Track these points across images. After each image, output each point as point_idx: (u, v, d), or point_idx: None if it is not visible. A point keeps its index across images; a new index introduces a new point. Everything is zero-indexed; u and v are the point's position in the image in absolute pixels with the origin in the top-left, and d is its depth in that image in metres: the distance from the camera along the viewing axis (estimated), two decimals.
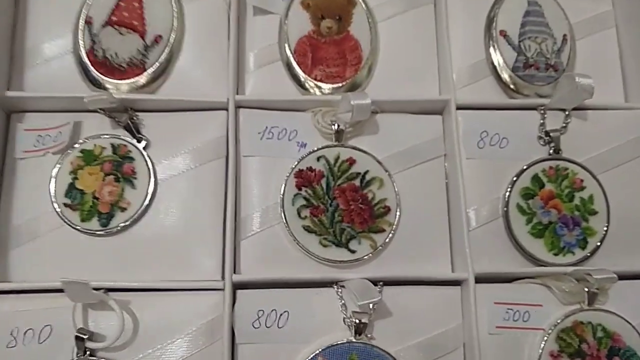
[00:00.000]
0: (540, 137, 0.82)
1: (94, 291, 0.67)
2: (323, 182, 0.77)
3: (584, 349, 0.74)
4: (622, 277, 0.78)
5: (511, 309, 0.76)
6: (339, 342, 0.71)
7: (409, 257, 0.78)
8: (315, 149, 0.78)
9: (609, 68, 0.89)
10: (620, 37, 0.91)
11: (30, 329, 0.69)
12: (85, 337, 0.67)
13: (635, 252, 0.81)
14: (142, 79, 0.79)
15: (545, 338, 0.74)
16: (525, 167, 0.80)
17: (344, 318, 0.72)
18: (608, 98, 0.86)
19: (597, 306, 0.76)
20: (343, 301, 0.73)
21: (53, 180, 0.75)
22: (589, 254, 0.79)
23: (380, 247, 0.76)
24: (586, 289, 0.75)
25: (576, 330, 0.75)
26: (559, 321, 0.74)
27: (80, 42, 0.79)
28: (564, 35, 0.87)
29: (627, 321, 0.76)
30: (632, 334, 0.75)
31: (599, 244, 0.79)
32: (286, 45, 0.82)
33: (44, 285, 0.70)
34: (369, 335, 0.72)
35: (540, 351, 0.74)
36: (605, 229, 0.80)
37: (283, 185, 0.76)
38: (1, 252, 0.74)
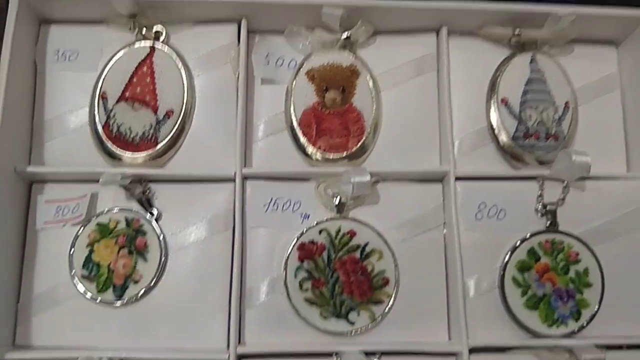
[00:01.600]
0: (537, 210, 0.84)
1: None
2: (324, 254, 0.81)
3: None
4: (614, 347, 0.81)
5: None
6: None
7: (406, 328, 0.81)
8: (317, 222, 0.81)
9: (611, 135, 0.90)
10: (625, 100, 0.92)
11: None
12: None
13: (628, 322, 0.83)
14: (154, 152, 0.83)
15: None
16: (521, 240, 0.82)
17: None
18: (609, 167, 0.88)
19: None
20: None
21: (71, 252, 0.80)
22: (582, 326, 0.81)
23: (378, 318, 0.80)
24: None
25: None
26: None
27: (96, 116, 0.83)
28: (566, 103, 0.88)
29: None
30: None
31: (592, 316, 0.82)
32: (292, 115, 0.86)
33: (63, 356, 0.75)
34: None
35: None
36: (599, 301, 0.82)
37: (285, 258, 0.80)
38: (24, 318, 0.79)
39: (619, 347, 0.82)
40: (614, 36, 0.93)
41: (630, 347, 0.82)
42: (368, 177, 0.78)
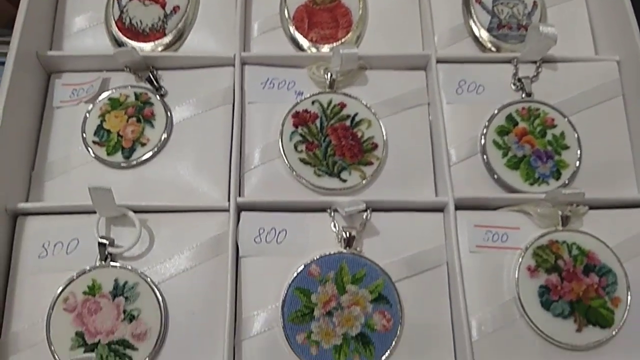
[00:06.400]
0: (513, 84, 0.91)
1: (116, 204, 0.77)
2: (317, 122, 0.87)
3: (560, 265, 0.80)
4: (595, 207, 0.84)
5: (490, 231, 0.83)
6: (330, 253, 0.79)
7: (395, 187, 0.86)
8: (310, 95, 0.89)
9: (579, 28, 0.98)
10: (590, 4, 1.01)
11: (60, 242, 0.79)
12: (107, 242, 0.76)
13: (607, 184, 0.87)
14: (162, 41, 0.92)
15: (523, 254, 0.80)
16: (499, 109, 0.89)
17: (335, 235, 0.81)
18: (579, 52, 0.96)
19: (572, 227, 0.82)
20: (335, 222, 0.82)
21: (84, 123, 0.87)
22: (563, 185, 0.86)
23: (369, 177, 0.85)
24: (560, 212, 0.82)
25: (552, 247, 0.81)
26: (535, 239, 0.81)
27: (111, 13, 0.93)
28: (534, 2, 0.98)
29: (601, 240, 0.81)
30: (607, 252, 0.81)
31: (572, 175, 0.86)
32: (286, 13, 0.95)
33: (71, 204, 0.80)
34: (358, 249, 0.80)
35: (518, 266, 0.80)
36: (577, 162, 0.87)
37: (281, 124, 0.87)
38: (37, 184, 0.85)
39: (599, 208, 0.85)
40: None
41: (610, 207, 0.86)
42: (355, 50, 0.86)
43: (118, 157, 0.84)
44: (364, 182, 0.85)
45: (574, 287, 0.79)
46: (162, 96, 0.88)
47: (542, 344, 0.77)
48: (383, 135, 0.87)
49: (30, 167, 0.86)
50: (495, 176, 0.86)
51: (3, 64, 0.82)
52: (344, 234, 0.79)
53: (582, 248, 0.81)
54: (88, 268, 0.76)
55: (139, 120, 0.86)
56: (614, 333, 0.78)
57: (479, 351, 0.76)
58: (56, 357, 0.73)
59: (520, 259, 0.80)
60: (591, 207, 0.84)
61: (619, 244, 0.82)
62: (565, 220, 0.82)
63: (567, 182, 0.86)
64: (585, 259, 0.80)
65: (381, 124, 0.88)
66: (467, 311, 0.77)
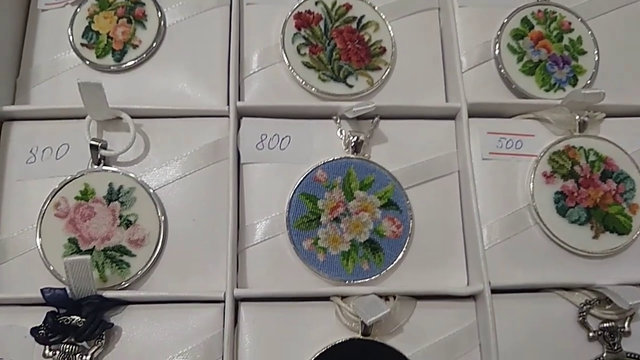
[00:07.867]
0: None
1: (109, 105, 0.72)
2: (321, 24, 0.82)
3: (576, 170, 0.77)
4: (613, 115, 0.81)
5: (504, 138, 0.79)
6: (337, 158, 0.75)
7: (404, 93, 0.81)
8: None
9: None
10: None
11: (49, 147, 0.74)
12: (99, 145, 0.71)
13: (624, 92, 0.83)
14: None
15: (538, 160, 0.77)
16: (514, 11, 0.84)
17: (342, 142, 0.76)
18: None
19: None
20: (341, 128, 0.77)
21: (71, 24, 0.80)
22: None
23: (377, 84, 0.80)
24: (577, 117, 0.78)
25: (568, 153, 0.77)
26: (551, 145, 0.77)
27: None
28: None
29: (619, 146, 0.78)
30: (625, 158, 0.78)
31: (588, 81, 0.82)
32: None
33: (60, 107, 0.75)
34: (366, 155, 0.76)
35: (533, 172, 0.76)
36: (594, 68, 0.83)
37: (282, 26, 0.81)
38: (23, 90, 0.79)
39: (617, 116, 0.82)
40: None
41: (627, 115, 0.82)
42: None
43: (108, 60, 0.79)
44: (371, 88, 0.80)
45: (590, 193, 0.76)
46: None
47: (557, 250, 0.75)
48: (391, 39, 0.82)
49: (15, 73, 0.80)
50: (510, 82, 0.81)
51: None
52: (351, 138, 0.75)
53: (600, 154, 0.77)
54: (80, 172, 0.72)
55: (129, 21, 0.80)
56: (632, 239, 0.75)
57: (491, 259, 0.73)
58: (48, 264, 0.69)
59: (535, 165, 0.76)
60: (608, 116, 0.81)
61: (637, 150, 0.79)
62: (582, 126, 0.78)
63: (587, 83, 0.82)
64: (603, 164, 0.77)
65: (389, 27, 0.83)
66: (480, 218, 0.74)
